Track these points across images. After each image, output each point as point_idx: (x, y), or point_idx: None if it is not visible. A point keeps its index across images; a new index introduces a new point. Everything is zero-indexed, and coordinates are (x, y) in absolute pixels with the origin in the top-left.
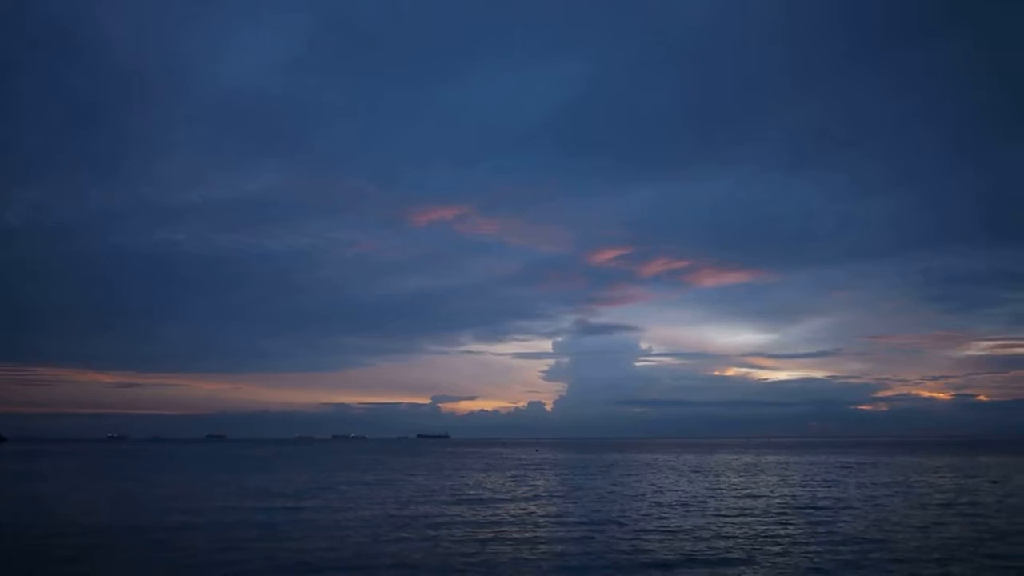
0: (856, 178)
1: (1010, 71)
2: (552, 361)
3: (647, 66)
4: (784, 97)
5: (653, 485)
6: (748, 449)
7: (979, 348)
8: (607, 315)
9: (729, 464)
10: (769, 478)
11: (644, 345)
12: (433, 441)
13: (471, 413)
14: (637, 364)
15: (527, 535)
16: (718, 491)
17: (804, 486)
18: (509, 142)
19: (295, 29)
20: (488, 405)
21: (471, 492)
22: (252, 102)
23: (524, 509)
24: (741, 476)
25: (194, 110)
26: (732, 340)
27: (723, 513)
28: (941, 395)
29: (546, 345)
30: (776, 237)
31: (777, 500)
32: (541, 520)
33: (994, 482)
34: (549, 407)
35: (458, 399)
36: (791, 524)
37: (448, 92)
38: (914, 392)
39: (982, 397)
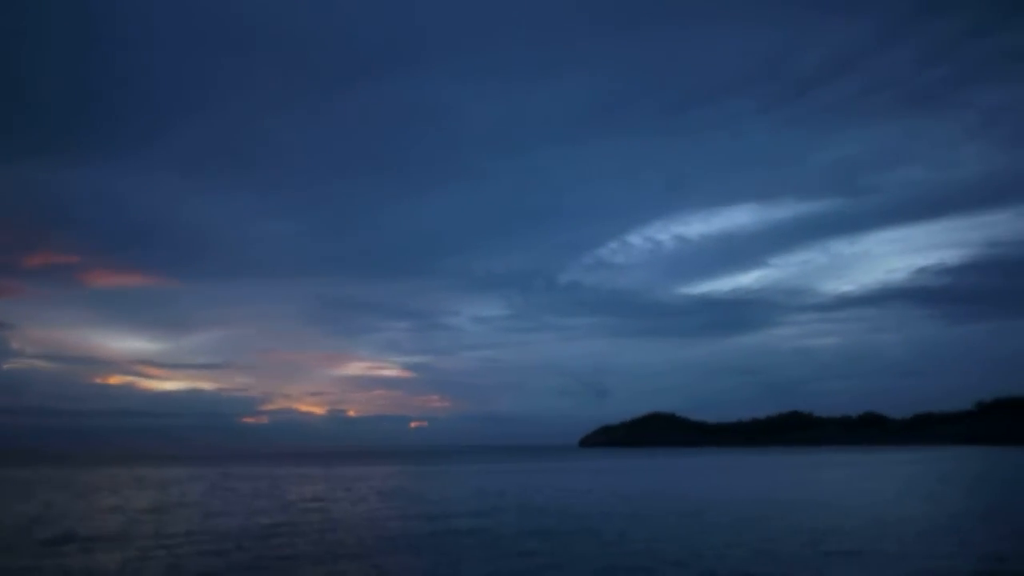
0: (264, 198)
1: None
2: None
3: (87, 44)
4: (191, 106)
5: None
6: (128, 463)
7: (355, 369)
8: None
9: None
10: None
11: (16, 345)
12: None
13: None
14: (5, 367)
15: None
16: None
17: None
18: None
19: None
20: None
21: None
22: None
23: None
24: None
25: None
26: (121, 346)
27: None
28: (317, 409)
29: None
30: (181, 244)
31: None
32: None
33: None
34: None
35: None
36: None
37: None
38: (295, 406)
39: (352, 412)
